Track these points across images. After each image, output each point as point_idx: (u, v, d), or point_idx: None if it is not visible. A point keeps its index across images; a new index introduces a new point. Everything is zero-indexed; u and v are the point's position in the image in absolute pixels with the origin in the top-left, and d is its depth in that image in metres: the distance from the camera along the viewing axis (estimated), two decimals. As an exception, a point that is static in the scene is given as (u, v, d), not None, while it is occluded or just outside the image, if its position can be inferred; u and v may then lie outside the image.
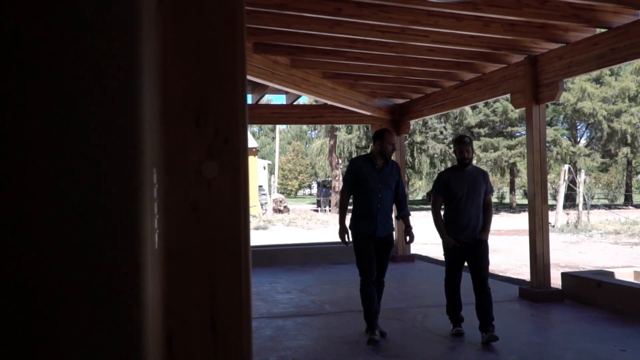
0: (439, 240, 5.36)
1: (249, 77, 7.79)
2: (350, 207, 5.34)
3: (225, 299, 1.35)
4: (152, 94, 0.23)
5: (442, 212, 5.34)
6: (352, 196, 5.29)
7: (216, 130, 1.36)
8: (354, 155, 38.49)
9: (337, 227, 5.28)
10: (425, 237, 14.30)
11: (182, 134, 1.34)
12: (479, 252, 5.15)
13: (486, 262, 5.19)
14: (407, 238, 5.33)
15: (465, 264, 5.26)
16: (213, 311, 1.36)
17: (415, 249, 11.30)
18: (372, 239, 5.13)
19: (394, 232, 5.42)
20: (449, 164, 35.34)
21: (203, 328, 1.35)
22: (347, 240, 5.19)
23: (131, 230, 0.17)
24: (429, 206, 40.24)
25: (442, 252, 5.41)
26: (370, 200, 5.12)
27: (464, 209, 5.14)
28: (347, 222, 5.27)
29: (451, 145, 34.93)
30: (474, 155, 5.37)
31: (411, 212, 5.55)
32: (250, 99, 10.44)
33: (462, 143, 5.24)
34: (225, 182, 1.37)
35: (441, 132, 35.76)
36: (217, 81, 1.34)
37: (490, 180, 5.49)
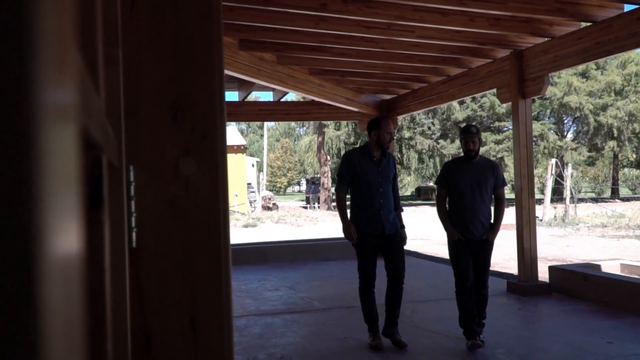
0: (429, 236, 5.06)
1: (235, 74, 7.76)
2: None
3: (205, 297, 1.34)
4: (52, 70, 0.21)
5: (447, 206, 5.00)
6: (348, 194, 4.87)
7: (193, 126, 1.34)
8: (343, 152, 38.51)
9: (340, 224, 4.79)
10: (415, 233, 14.35)
11: (158, 131, 1.33)
12: (484, 250, 4.80)
13: (488, 263, 4.87)
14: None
15: None
16: (193, 310, 1.34)
17: (404, 244, 11.30)
18: (377, 239, 4.70)
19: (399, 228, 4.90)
20: (437, 160, 35.46)
21: (183, 327, 1.34)
22: (354, 235, 4.68)
23: (14, 228, 0.16)
24: (418, 202, 40.11)
25: (448, 251, 4.98)
26: (372, 196, 4.68)
27: (468, 204, 4.76)
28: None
29: (439, 141, 35.06)
30: (480, 146, 4.91)
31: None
32: (237, 96, 10.40)
33: (467, 133, 4.81)
34: (203, 179, 1.36)
35: (429, 128, 35.85)
36: (194, 77, 1.32)
37: (502, 173, 5.05)
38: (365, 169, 4.71)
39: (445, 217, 4.86)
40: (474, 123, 34.30)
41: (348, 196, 4.94)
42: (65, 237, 0.21)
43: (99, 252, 0.66)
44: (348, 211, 4.84)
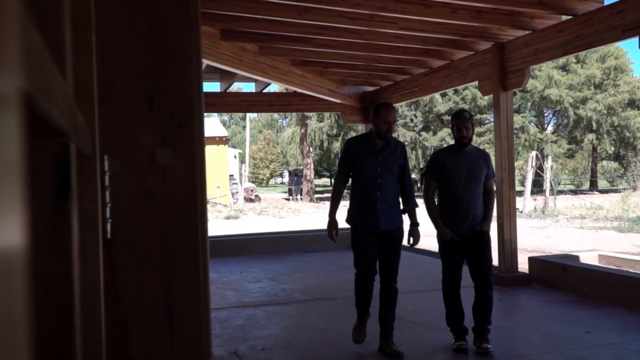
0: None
1: (216, 65, 7.69)
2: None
3: (182, 289, 1.31)
4: None
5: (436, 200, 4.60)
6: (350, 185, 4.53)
7: (170, 114, 1.32)
8: (325, 144, 38.49)
9: (327, 219, 4.45)
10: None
11: (134, 119, 1.30)
12: (480, 245, 4.40)
13: (488, 256, 4.44)
14: (411, 239, 4.41)
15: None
16: (169, 302, 1.32)
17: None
18: (374, 234, 4.30)
19: (402, 226, 4.46)
20: (420, 152, 35.58)
21: (159, 319, 1.32)
22: (335, 237, 4.37)
23: None
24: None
25: (437, 248, 4.63)
26: (368, 187, 4.29)
27: (462, 197, 4.37)
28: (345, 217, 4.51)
29: (422, 133, 35.17)
30: (473, 133, 4.48)
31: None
32: (218, 87, 10.33)
33: (460, 118, 4.38)
34: (180, 169, 1.33)
35: (411, 120, 35.98)
36: (170, 64, 1.29)
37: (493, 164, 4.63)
38: (363, 158, 4.31)
39: (436, 215, 4.44)
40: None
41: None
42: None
43: (66, 243, 0.64)
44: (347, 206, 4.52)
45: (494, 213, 7.20)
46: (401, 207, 4.47)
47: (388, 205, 4.32)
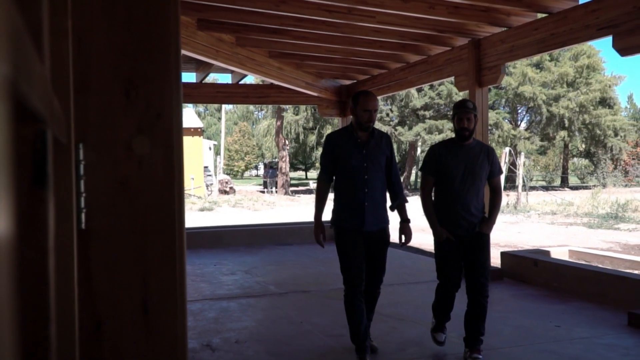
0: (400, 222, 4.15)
1: (193, 55, 7.61)
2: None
3: (158, 282, 1.30)
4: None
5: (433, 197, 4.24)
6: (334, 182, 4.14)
7: (148, 104, 1.29)
8: (301, 137, 38.41)
9: (313, 220, 4.14)
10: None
11: (110, 108, 1.27)
12: (478, 247, 4.05)
13: (486, 260, 4.08)
14: (403, 237, 4.11)
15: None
16: (145, 294, 1.30)
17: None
18: (360, 235, 3.94)
19: (388, 226, 4.14)
20: (395, 147, 35.73)
21: (134, 312, 1.30)
22: (323, 241, 4.09)
23: None
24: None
25: (433, 248, 4.29)
26: (354, 184, 3.93)
27: (459, 194, 4.01)
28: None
29: (397, 127, 35.32)
30: (476, 126, 4.12)
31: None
32: (194, 78, 10.23)
33: (462, 108, 4.02)
34: (157, 159, 1.31)
35: (387, 114, 36.08)
36: (148, 52, 1.27)
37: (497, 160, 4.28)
38: (346, 153, 3.95)
39: (432, 213, 4.09)
40: (430, 110, 34.70)
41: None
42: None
43: (42, 233, 0.62)
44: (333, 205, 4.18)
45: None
46: (389, 203, 4.13)
47: (376, 204, 3.98)
